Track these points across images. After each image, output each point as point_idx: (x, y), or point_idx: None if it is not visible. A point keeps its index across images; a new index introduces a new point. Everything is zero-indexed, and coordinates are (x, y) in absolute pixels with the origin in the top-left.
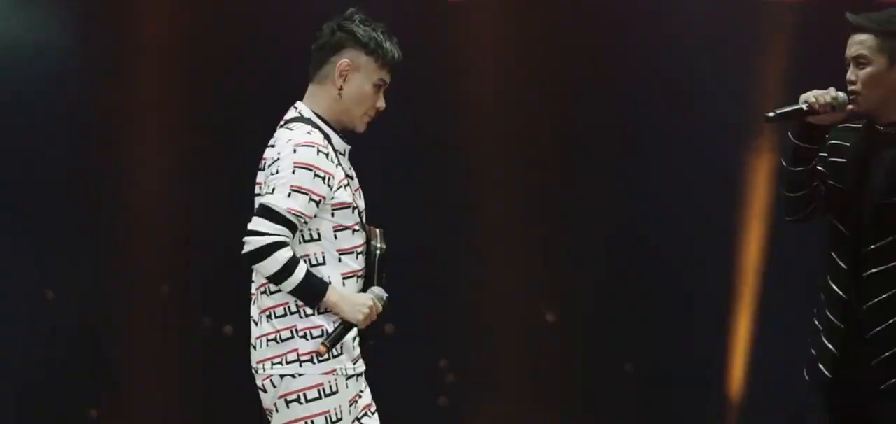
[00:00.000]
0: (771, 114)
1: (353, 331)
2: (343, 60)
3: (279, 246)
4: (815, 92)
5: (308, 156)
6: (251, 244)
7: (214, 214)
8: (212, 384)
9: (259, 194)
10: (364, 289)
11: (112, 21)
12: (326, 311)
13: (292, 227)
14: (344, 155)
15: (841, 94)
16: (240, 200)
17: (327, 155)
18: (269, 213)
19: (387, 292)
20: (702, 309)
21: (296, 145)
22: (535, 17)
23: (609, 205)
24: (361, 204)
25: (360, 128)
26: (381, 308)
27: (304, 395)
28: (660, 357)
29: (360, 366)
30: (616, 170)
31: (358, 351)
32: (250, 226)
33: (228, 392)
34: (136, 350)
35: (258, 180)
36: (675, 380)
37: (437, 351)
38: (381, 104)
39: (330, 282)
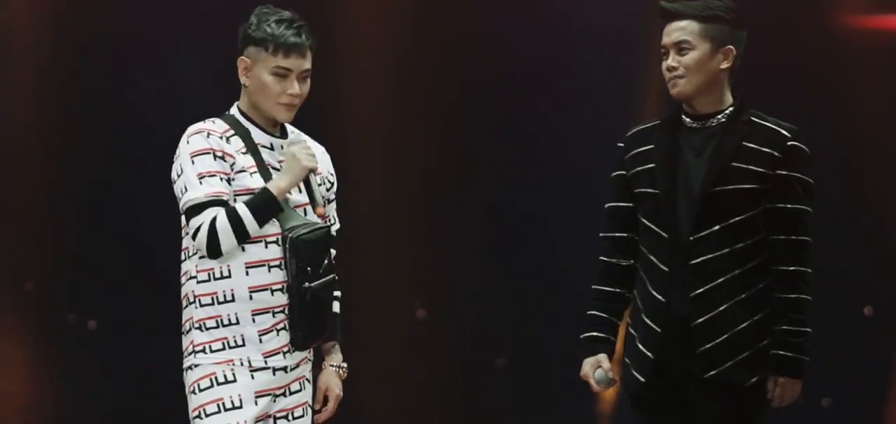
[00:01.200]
0: None
1: (286, 321)
2: (242, 58)
3: (215, 221)
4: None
5: (199, 142)
6: (198, 243)
7: (79, 211)
8: (76, 379)
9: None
10: (291, 280)
11: None
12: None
13: (221, 203)
14: (270, 148)
15: (602, 377)
16: (105, 195)
17: (221, 137)
18: (194, 210)
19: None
20: (575, 302)
21: (187, 136)
22: (416, 6)
23: (482, 199)
24: (292, 195)
25: (280, 116)
26: (307, 146)
27: (198, 385)
28: (533, 353)
29: (279, 361)
30: (491, 163)
31: (272, 346)
32: (187, 231)
33: (92, 387)
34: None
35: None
36: (547, 376)
37: None
38: (294, 89)
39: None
